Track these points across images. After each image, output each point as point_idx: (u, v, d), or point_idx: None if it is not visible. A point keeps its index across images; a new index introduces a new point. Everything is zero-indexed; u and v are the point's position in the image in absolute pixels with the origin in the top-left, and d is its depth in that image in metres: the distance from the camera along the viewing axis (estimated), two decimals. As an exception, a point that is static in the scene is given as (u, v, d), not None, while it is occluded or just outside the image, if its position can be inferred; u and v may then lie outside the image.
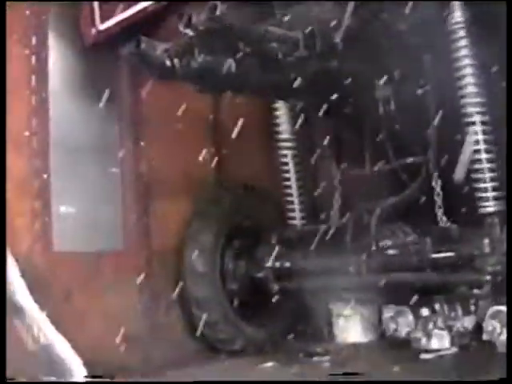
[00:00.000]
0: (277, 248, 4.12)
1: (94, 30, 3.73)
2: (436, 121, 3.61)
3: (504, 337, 3.48)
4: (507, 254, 2.33)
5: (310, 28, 3.24)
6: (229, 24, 2.99)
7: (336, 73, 3.58)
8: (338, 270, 3.83)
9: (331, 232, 3.88)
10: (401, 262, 3.64)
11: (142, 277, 3.96)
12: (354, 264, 3.75)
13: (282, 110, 4.28)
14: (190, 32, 3.02)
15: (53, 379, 2.78)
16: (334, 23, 3.30)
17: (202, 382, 3.16)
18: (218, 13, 2.88)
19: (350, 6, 3.32)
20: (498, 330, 3.51)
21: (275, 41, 3.24)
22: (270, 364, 3.70)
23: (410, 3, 3.30)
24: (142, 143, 4.11)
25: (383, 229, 3.78)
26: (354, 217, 3.91)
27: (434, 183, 3.68)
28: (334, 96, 3.64)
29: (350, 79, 3.65)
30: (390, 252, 3.73)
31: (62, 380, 2.79)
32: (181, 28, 3.02)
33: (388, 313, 4.14)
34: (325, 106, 3.80)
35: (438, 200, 3.63)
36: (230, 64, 3.28)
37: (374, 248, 3.72)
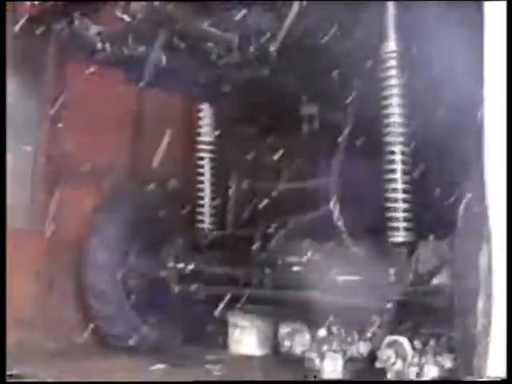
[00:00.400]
0: (182, 250, 4.08)
1: (28, 2, 3.59)
2: (343, 145, 3.63)
3: (397, 366, 3.48)
4: (507, 255, 2.32)
5: (246, 33, 3.22)
6: (168, 16, 2.94)
7: (265, 84, 3.55)
8: (241, 280, 3.81)
9: (239, 241, 3.87)
10: (304, 279, 3.60)
11: (40, 261, 3.86)
12: (257, 276, 3.73)
13: (206, 112, 4.22)
14: (126, 18, 2.94)
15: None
16: (270, 32, 3.28)
17: (202, 382, 3.14)
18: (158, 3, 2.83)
19: (290, 18, 3.29)
20: (393, 360, 3.49)
21: (211, 41, 3.19)
22: (160, 366, 3.63)
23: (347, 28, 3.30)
24: (60, 125, 4.00)
25: (291, 244, 3.76)
26: (263, 229, 3.89)
27: (331, 206, 3.66)
28: (259, 107, 3.64)
29: (277, 92, 3.63)
30: (295, 268, 3.70)
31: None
32: (118, 12, 2.95)
33: (285, 329, 4.10)
34: (248, 116, 3.79)
35: (339, 224, 3.62)
36: (162, 57, 3.22)
37: (279, 262, 3.70)
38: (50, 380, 3.05)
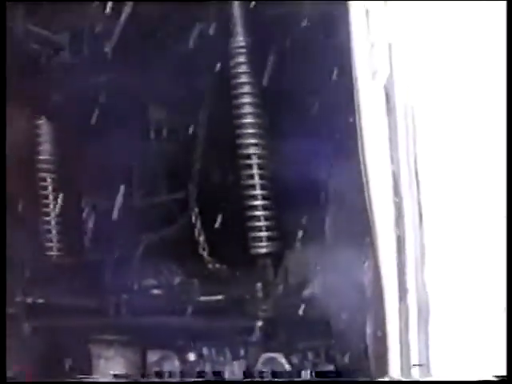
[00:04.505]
0: (29, 281, 3.71)
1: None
2: (200, 152, 3.39)
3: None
4: (507, 257, 2.12)
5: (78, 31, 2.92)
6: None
7: (104, 89, 3.25)
8: (97, 309, 3.48)
9: (90, 267, 3.56)
10: (166, 303, 3.34)
11: None
12: (113, 303, 3.42)
13: (44, 127, 3.85)
14: None
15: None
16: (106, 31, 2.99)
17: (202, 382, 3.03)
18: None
19: (125, 15, 3.02)
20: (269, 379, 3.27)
21: (37, 42, 2.86)
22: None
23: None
24: None
25: (147, 266, 3.46)
26: (115, 251, 3.57)
27: (193, 220, 3.39)
28: (100, 115, 3.36)
29: (120, 98, 3.36)
30: (154, 292, 3.42)
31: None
32: None
33: (153, 357, 3.81)
34: (89, 127, 3.48)
35: (201, 239, 3.35)
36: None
37: (136, 287, 3.40)
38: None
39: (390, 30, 2.21)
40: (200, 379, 3.24)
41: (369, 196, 2.20)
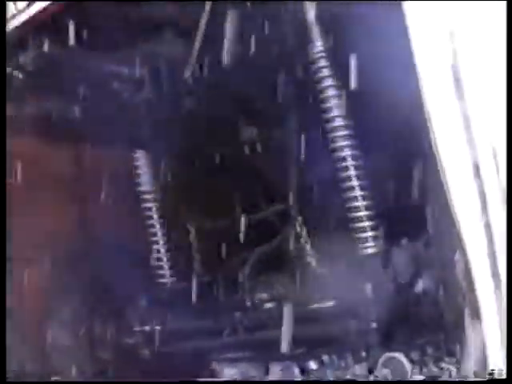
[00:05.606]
0: (146, 310, 3.80)
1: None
2: (296, 163, 3.43)
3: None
4: (507, 257, 2.12)
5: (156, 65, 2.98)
6: (61, 62, 2.67)
7: (193, 115, 3.32)
8: (214, 330, 3.53)
9: (201, 289, 3.61)
10: (280, 315, 3.34)
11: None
12: (228, 323, 3.46)
13: (141, 159, 3.96)
14: (19, 74, 2.67)
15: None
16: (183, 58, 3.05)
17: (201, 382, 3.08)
18: (45, 49, 2.55)
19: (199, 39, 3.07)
20: (390, 378, 3.25)
21: (118, 80, 2.94)
22: None
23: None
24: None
25: (257, 281, 3.50)
26: (223, 271, 3.61)
27: (298, 229, 3.40)
28: (193, 143, 3.43)
29: (209, 122, 3.41)
30: (268, 306, 3.44)
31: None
32: (8, 69, 2.68)
33: (274, 369, 3.85)
34: (183, 154, 3.55)
35: (307, 247, 3.37)
36: (71, 109, 2.96)
37: (248, 303, 3.43)
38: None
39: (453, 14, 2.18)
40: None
41: (446, 184, 2.17)
